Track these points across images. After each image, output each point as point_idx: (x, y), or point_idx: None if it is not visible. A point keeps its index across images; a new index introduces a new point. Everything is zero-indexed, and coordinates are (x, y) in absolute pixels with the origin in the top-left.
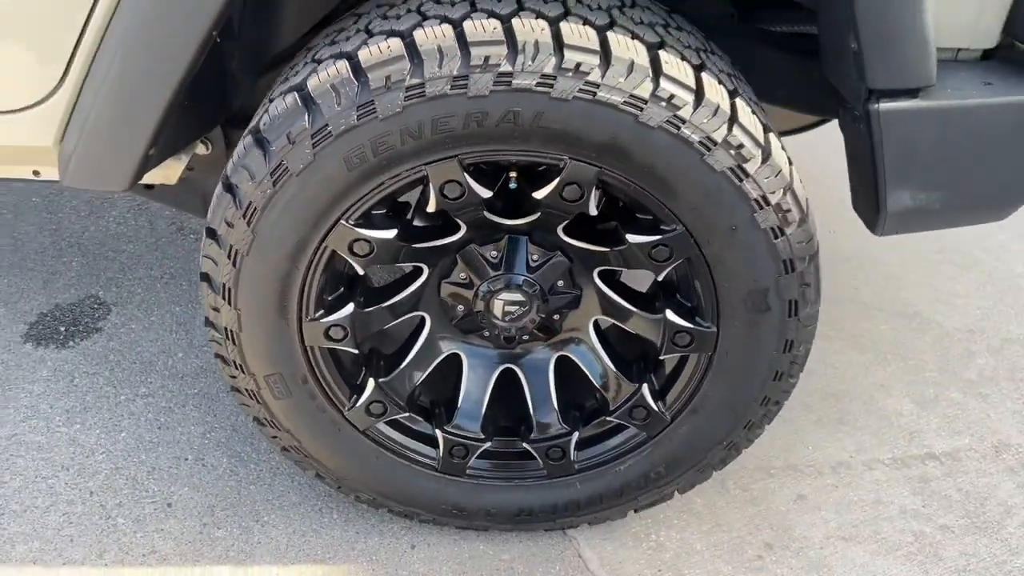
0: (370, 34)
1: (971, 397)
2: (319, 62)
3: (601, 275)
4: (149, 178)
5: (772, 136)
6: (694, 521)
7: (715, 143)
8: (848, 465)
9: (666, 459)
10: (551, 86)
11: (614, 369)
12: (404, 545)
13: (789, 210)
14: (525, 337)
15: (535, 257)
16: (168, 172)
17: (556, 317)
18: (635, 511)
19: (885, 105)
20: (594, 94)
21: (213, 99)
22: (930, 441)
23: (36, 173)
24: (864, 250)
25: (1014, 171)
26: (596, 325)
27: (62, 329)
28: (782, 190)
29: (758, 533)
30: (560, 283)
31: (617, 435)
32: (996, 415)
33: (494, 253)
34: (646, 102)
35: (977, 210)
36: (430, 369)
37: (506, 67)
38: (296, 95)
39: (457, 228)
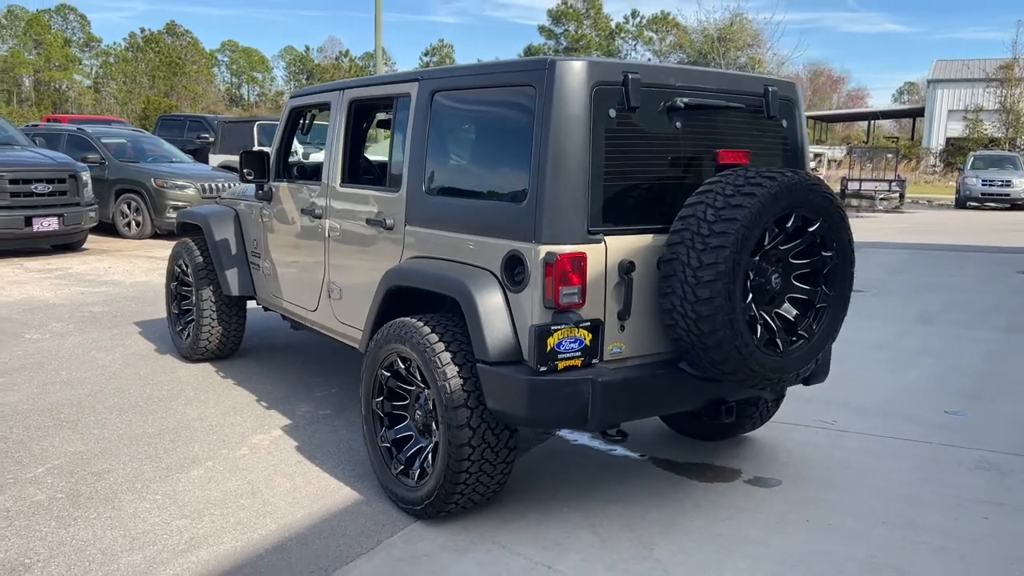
0: None
1: None
2: None
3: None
4: None
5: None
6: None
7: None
8: None
9: (436, 489)
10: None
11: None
12: (371, 488)
13: (446, 395)
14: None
15: (430, 404)
16: None
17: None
18: (436, 515)
19: (480, 366)
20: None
21: None
22: None
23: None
24: None
25: None
26: None
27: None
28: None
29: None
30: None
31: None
32: None
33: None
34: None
35: None
36: (400, 434)
37: None
38: None
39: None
